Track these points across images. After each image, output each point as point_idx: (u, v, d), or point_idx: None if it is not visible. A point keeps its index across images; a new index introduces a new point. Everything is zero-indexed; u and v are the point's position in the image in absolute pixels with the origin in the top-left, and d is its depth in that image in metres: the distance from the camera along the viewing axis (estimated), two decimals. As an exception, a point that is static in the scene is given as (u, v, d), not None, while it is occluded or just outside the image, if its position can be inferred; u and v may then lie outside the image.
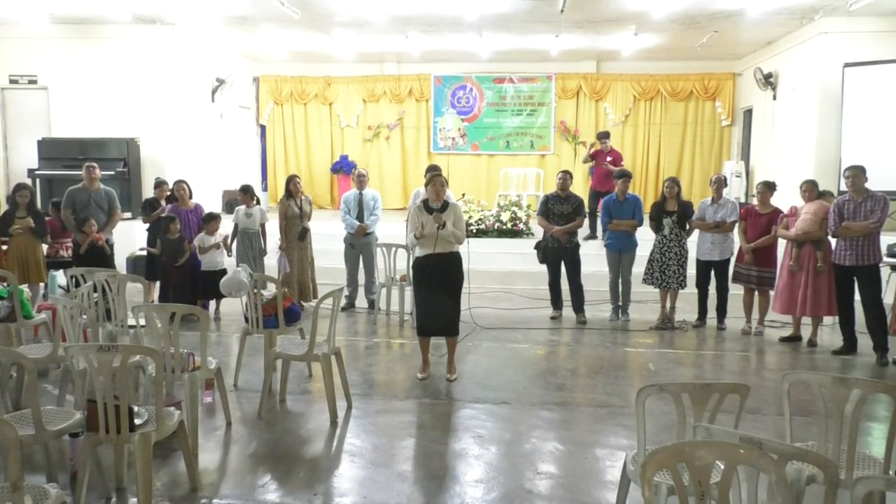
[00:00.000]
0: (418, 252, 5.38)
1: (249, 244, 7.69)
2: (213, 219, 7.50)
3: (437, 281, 5.31)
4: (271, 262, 7.98)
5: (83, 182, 7.36)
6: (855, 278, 6.03)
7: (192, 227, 7.48)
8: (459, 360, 5.84)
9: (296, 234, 7.65)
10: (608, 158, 10.21)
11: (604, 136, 10.61)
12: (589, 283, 7.71)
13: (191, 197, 7.66)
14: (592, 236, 9.97)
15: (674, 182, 7.25)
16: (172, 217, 7.27)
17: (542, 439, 4.36)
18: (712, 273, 7.16)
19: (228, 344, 6.50)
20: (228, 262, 7.72)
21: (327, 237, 9.18)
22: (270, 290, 5.44)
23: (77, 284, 5.47)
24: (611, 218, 7.40)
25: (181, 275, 7.23)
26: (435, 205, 5.29)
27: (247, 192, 7.86)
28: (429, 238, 5.23)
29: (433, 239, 5.22)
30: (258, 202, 7.94)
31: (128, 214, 9.63)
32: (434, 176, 5.43)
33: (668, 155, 13.83)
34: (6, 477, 2.39)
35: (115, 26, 10.53)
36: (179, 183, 7.60)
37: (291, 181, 7.80)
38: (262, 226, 7.81)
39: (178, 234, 7.22)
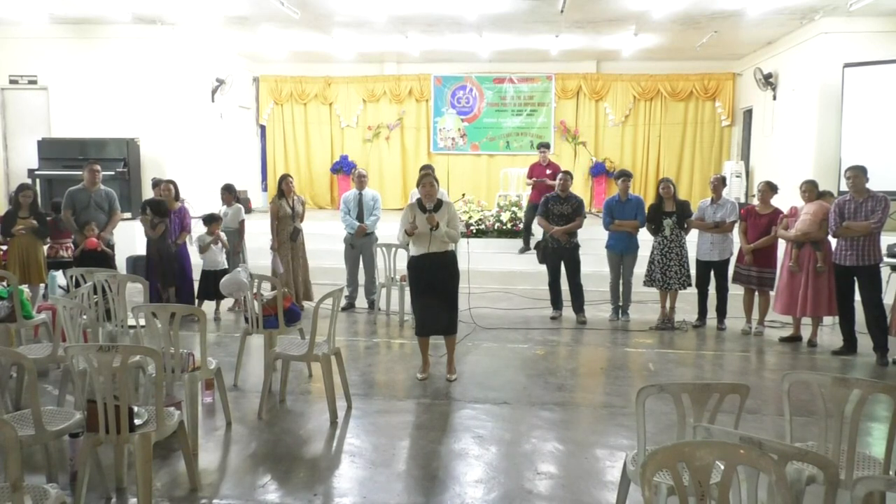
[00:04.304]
0: (413, 252, 5.38)
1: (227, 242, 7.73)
2: (213, 220, 7.50)
3: (434, 280, 5.31)
4: (265, 262, 7.96)
5: (83, 182, 7.32)
6: (855, 278, 6.03)
7: (175, 229, 7.27)
8: (459, 360, 5.84)
9: (288, 234, 7.61)
10: (547, 171, 9.70)
11: (543, 146, 10.22)
12: (589, 283, 7.72)
13: (177, 198, 7.42)
14: (526, 249, 9.82)
15: (669, 182, 7.25)
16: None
17: (542, 439, 4.35)
18: (711, 273, 7.16)
19: (228, 344, 6.50)
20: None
21: (327, 237, 9.18)
22: (267, 289, 5.44)
23: (77, 285, 5.46)
24: (612, 218, 7.40)
25: (174, 276, 7.22)
26: (429, 205, 5.26)
27: (229, 190, 7.91)
28: (422, 237, 5.22)
29: (426, 239, 5.22)
30: (237, 200, 8.00)
31: (128, 215, 9.62)
32: (424, 175, 5.42)
33: (667, 155, 13.84)
34: (6, 477, 2.39)
35: (115, 26, 10.54)
36: (166, 183, 7.43)
37: (284, 181, 7.63)
38: (241, 223, 7.85)
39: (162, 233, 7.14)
